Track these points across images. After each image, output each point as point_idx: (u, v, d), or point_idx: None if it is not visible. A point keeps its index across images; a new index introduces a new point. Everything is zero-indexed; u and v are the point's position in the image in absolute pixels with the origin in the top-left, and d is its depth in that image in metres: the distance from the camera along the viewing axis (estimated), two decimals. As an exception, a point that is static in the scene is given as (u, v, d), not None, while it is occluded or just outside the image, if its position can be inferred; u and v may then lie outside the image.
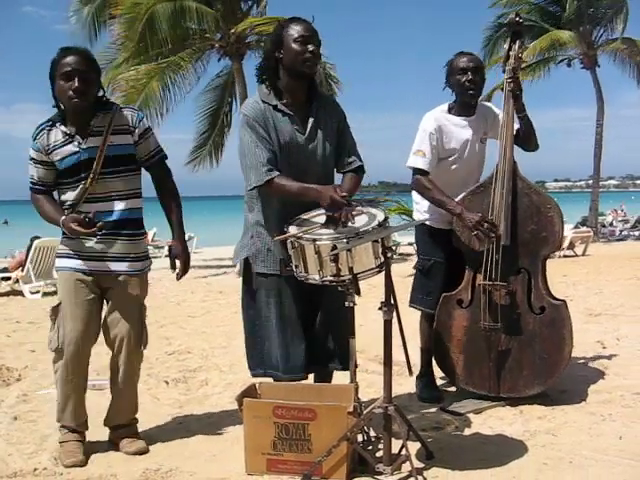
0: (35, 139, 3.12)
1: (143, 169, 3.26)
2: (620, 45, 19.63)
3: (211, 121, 16.80)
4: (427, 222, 3.81)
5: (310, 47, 3.04)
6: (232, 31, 14.71)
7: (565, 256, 14.52)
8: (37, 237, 10.17)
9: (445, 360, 3.84)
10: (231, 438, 3.33)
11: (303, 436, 2.81)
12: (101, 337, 3.22)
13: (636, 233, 21.74)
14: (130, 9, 13.78)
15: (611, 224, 23.58)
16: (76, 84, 2.97)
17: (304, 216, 3.04)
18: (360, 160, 3.27)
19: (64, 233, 3.14)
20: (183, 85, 15.40)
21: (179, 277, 3.28)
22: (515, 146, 3.74)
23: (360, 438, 2.98)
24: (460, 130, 3.78)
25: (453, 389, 4.00)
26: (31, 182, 3.19)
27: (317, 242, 2.75)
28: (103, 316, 3.22)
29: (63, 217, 3.04)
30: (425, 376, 3.99)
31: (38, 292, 9.94)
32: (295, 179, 3.05)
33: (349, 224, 2.86)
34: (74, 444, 3.15)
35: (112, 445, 3.28)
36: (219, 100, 16.69)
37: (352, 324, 2.89)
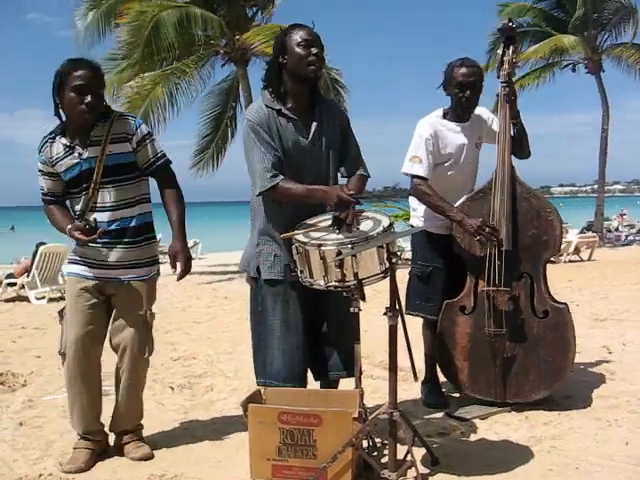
0: (40, 152, 3.16)
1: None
2: (628, 51, 19.65)
3: (214, 125, 16.85)
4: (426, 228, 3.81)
5: (314, 50, 3.05)
6: (237, 37, 14.76)
7: (571, 261, 14.51)
8: (43, 243, 10.19)
9: (450, 367, 3.83)
10: (236, 444, 3.33)
11: (308, 442, 2.80)
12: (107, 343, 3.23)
13: (642, 238, 21.70)
14: (136, 17, 13.84)
15: (617, 229, 23.51)
16: (89, 99, 2.99)
17: (310, 221, 3.04)
18: (366, 170, 3.28)
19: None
20: (189, 91, 15.49)
21: (179, 277, 3.21)
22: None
23: (365, 444, 2.98)
24: (455, 135, 3.78)
25: (458, 395, 3.99)
26: (42, 193, 3.23)
27: (322, 247, 2.75)
28: (110, 322, 3.22)
29: (69, 226, 3.07)
30: (430, 382, 3.98)
31: (44, 298, 9.94)
32: (299, 183, 3.06)
33: (354, 229, 2.86)
34: (81, 451, 3.15)
35: (117, 450, 3.28)
36: (223, 104, 16.73)
37: (357, 330, 2.89)
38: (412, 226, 3.98)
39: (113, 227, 3.13)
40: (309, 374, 3.28)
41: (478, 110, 3.89)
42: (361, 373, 2.97)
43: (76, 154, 3.09)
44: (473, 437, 3.36)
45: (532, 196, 3.72)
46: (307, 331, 3.17)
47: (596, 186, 23.89)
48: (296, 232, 2.90)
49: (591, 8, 19.58)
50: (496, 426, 3.49)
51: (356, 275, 2.70)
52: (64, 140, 3.11)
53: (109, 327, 3.22)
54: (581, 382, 4.18)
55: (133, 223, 3.18)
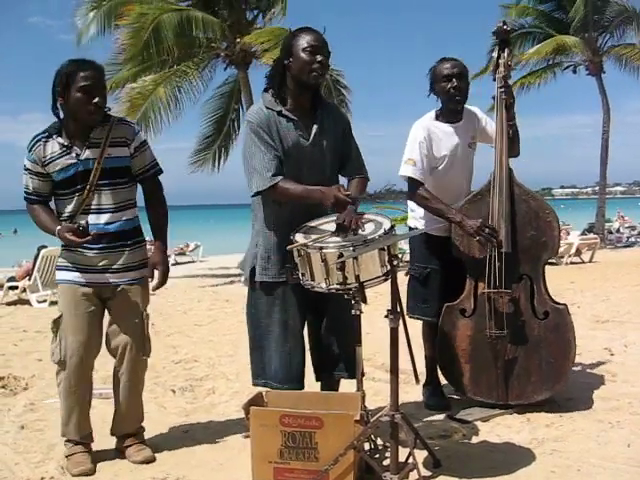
0: (30, 150, 3.11)
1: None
2: (631, 51, 19.65)
3: (217, 127, 16.84)
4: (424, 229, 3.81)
5: (319, 57, 3.05)
6: (238, 40, 14.77)
7: (572, 263, 14.49)
8: (44, 246, 10.19)
9: (451, 371, 3.82)
10: (238, 447, 3.33)
11: (310, 444, 2.80)
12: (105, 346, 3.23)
13: (643, 239, 21.67)
14: (136, 19, 13.85)
15: (618, 230, 23.50)
16: (97, 100, 3.00)
17: (311, 224, 3.04)
18: (366, 173, 3.30)
19: (63, 245, 3.16)
20: (191, 93, 15.50)
21: (155, 288, 3.25)
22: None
23: (367, 446, 2.97)
24: (449, 137, 3.78)
25: (459, 397, 3.99)
26: (25, 192, 3.20)
27: (323, 250, 2.75)
28: (105, 327, 3.22)
29: (58, 227, 3.05)
30: (431, 384, 3.98)
31: (45, 301, 9.96)
32: (298, 183, 3.06)
33: (359, 232, 2.86)
34: (82, 455, 3.15)
35: (119, 454, 3.28)
36: (225, 107, 16.73)
37: (359, 332, 2.89)
38: (410, 227, 3.98)
39: (110, 229, 3.13)
40: (309, 374, 3.28)
41: (471, 110, 3.89)
42: (363, 375, 2.97)
43: (73, 154, 3.08)
44: (475, 439, 3.36)
45: (530, 197, 3.72)
46: (304, 334, 3.18)
47: (597, 188, 23.89)
48: (301, 243, 2.87)
49: (591, 10, 19.59)
50: (498, 428, 3.48)
51: (357, 278, 2.70)
52: (61, 140, 3.10)
53: (105, 331, 3.22)
54: (583, 384, 4.17)
55: (127, 226, 3.19)
